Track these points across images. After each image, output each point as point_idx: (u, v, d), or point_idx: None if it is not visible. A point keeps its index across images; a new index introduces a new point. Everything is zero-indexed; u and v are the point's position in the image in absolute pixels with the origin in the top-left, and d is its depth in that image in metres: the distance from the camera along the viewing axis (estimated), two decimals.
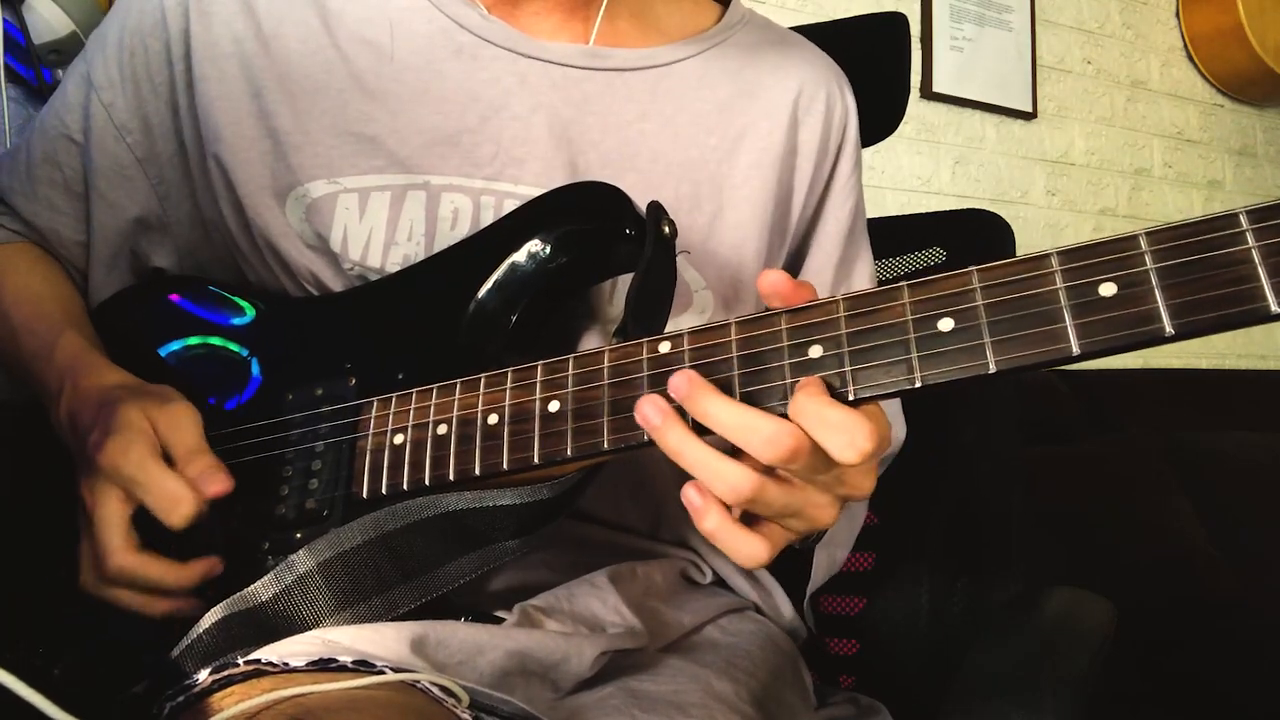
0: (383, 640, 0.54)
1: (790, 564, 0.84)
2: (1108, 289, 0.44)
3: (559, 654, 0.62)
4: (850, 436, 0.48)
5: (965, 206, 1.46)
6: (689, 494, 0.53)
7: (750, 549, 0.54)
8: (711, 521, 0.53)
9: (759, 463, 0.51)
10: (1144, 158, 2.81)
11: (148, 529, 0.64)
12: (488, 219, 0.74)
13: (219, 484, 0.64)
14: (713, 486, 0.52)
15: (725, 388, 0.53)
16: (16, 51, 1.11)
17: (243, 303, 0.77)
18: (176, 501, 0.63)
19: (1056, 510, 1.89)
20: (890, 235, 1.14)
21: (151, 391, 0.68)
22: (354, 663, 0.51)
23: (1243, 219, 0.42)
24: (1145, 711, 1.63)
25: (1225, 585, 1.88)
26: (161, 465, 0.64)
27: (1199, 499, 2.02)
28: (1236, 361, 2.94)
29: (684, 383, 0.52)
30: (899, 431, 0.90)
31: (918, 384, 0.48)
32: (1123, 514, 1.96)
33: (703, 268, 0.79)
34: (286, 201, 0.74)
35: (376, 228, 0.74)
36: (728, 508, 0.53)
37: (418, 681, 0.51)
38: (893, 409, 0.89)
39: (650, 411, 0.53)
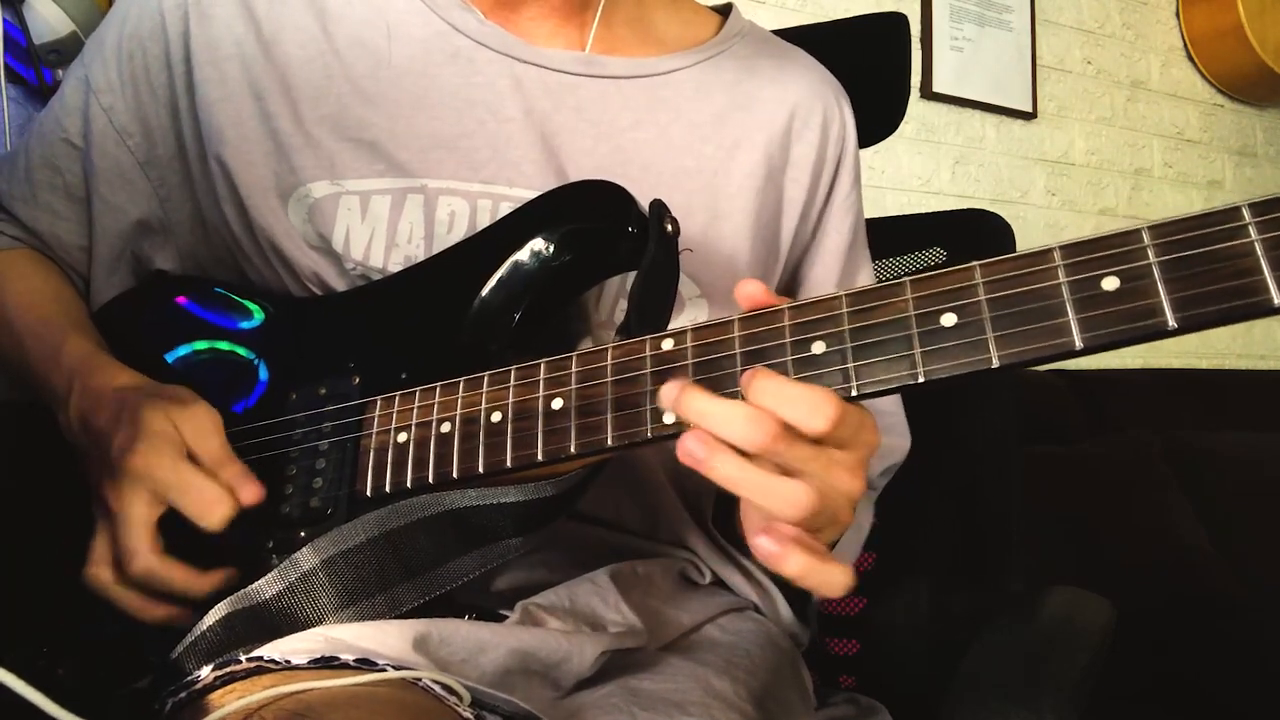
0: (385, 638, 0.55)
1: None
2: (1110, 283, 0.44)
3: (561, 653, 0.62)
4: (811, 404, 0.48)
5: (965, 207, 1.46)
6: (762, 544, 0.50)
7: (840, 578, 0.50)
8: (796, 563, 0.49)
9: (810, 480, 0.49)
10: (1144, 158, 2.81)
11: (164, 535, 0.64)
12: (484, 222, 0.74)
13: (252, 492, 0.64)
14: (774, 507, 0.49)
15: (729, 384, 0.53)
16: (16, 51, 1.11)
17: (250, 305, 0.77)
18: (214, 504, 0.63)
19: (1056, 510, 1.89)
20: (890, 236, 1.14)
21: (169, 394, 0.68)
22: (356, 660, 0.51)
23: (1245, 212, 0.42)
24: (1145, 711, 1.63)
25: (1225, 585, 1.87)
26: (195, 469, 0.64)
27: (1199, 499, 2.01)
28: (1236, 361, 2.94)
29: (674, 390, 0.51)
30: (904, 442, 0.89)
31: (921, 379, 0.48)
32: (1122, 514, 1.96)
33: (697, 276, 0.79)
34: (289, 202, 0.75)
35: (378, 229, 0.74)
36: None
37: (419, 679, 0.51)
38: (898, 420, 0.89)
39: (694, 447, 0.50)
